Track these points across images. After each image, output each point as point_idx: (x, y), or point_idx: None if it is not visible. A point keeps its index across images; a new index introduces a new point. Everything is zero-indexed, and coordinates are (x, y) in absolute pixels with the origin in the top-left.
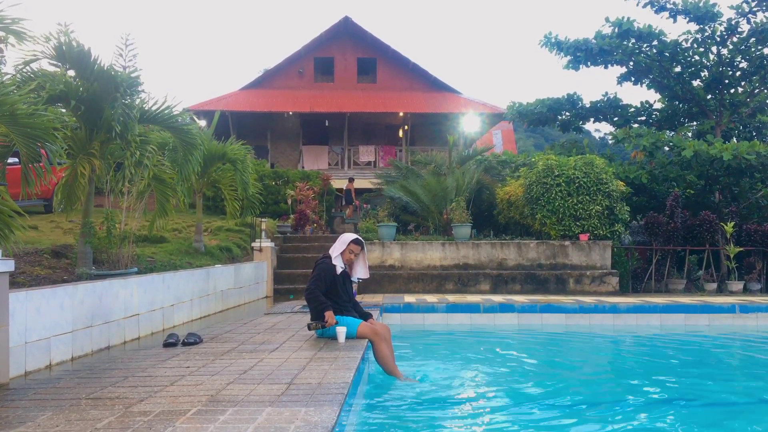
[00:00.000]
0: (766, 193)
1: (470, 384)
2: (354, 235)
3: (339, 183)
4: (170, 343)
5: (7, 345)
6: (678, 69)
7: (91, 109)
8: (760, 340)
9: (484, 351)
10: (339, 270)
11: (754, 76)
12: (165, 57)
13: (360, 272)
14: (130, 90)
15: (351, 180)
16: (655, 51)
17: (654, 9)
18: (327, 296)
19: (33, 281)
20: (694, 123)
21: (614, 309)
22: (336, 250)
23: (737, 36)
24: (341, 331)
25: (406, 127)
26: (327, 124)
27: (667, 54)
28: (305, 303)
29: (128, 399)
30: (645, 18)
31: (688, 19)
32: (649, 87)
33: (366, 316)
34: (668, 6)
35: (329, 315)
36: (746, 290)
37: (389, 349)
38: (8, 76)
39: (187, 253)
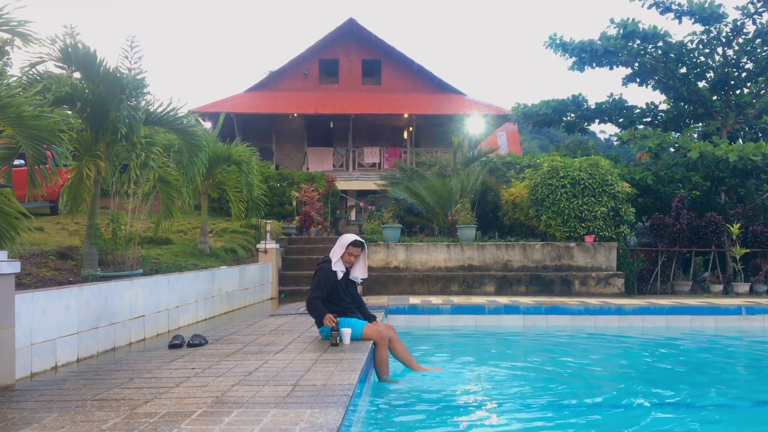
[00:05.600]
0: None
1: (475, 385)
2: (353, 237)
3: (343, 185)
4: (175, 344)
5: (13, 346)
6: (683, 70)
7: (96, 111)
8: (767, 342)
9: (489, 353)
10: (340, 275)
11: (760, 77)
12: (170, 59)
13: (358, 272)
14: (136, 92)
15: None
16: (660, 52)
17: (659, 10)
18: (330, 301)
19: (39, 283)
20: (700, 124)
21: (620, 311)
22: (335, 254)
23: (743, 37)
24: (346, 333)
25: (410, 129)
26: (332, 125)
27: (672, 55)
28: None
29: (134, 400)
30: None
31: (693, 20)
32: (654, 88)
33: (370, 318)
34: (673, 7)
35: (327, 318)
36: (752, 292)
37: (401, 347)
38: (14, 78)
39: (192, 255)
